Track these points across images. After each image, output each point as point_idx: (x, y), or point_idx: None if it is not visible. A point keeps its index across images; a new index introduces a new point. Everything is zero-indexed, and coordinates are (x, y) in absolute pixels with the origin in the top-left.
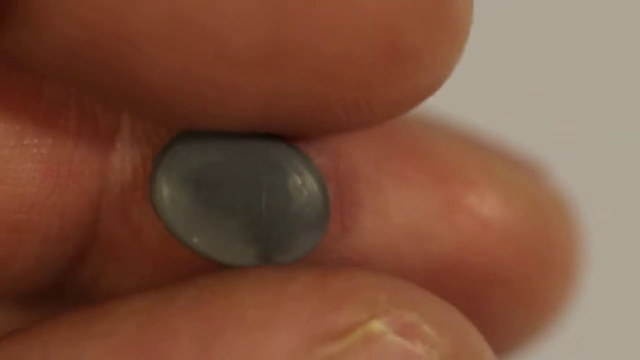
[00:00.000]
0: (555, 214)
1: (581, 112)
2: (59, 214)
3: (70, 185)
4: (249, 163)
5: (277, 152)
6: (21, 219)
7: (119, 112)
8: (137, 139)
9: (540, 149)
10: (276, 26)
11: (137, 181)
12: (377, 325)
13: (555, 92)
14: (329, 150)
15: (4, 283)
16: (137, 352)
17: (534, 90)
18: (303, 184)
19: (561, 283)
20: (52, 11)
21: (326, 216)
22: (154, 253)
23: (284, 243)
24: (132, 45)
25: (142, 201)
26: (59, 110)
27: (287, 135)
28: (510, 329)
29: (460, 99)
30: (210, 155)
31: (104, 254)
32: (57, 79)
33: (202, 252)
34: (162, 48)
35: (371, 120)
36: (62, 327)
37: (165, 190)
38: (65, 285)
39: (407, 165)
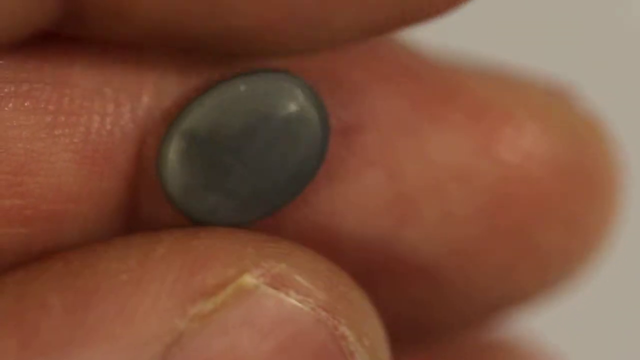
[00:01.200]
0: (592, 138)
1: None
2: (97, 202)
3: (106, 172)
4: (251, 112)
5: (286, 92)
6: (58, 209)
7: (149, 94)
8: (171, 118)
9: (569, 75)
10: None
11: None
12: (248, 279)
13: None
14: (363, 98)
15: None
16: (11, 328)
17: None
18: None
19: (605, 208)
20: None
21: (318, 163)
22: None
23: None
24: (226, 3)
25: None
26: (89, 98)
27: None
28: (554, 258)
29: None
30: (212, 114)
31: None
32: (146, 45)
33: (177, 204)
34: None
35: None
36: None
37: (166, 153)
38: None
39: (442, 106)
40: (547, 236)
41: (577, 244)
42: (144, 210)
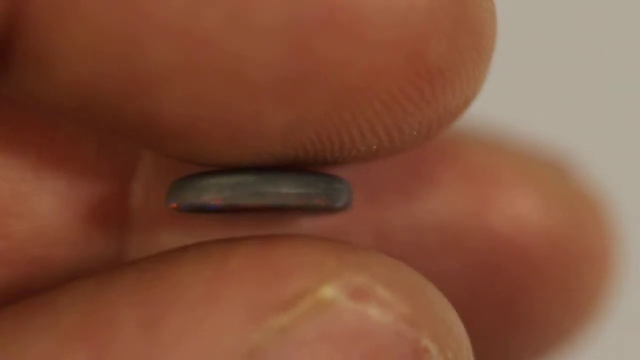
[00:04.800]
0: (588, 211)
1: (609, 105)
2: (82, 247)
3: (91, 217)
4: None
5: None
6: (41, 252)
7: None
8: (159, 168)
9: (570, 144)
10: (295, 57)
11: (161, 211)
12: (327, 291)
13: (583, 85)
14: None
15: None
16: (82, 342)
17: (561, 85)
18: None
19: (597, 281)
20: (55, 54)
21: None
22: None
23: None
24: (146, 84)
25: (168, 227)
26: (76, 141)
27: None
28: (547, 329)
29: (486, 97)
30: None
31: None
32: (69, 119)
33: None
34: (177, 79)
35: (403, 146)
36: (2, 323)
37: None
38: None
39: (437, 169)
40: (536, 308)
41: (568, 316)
42: (128, 257)
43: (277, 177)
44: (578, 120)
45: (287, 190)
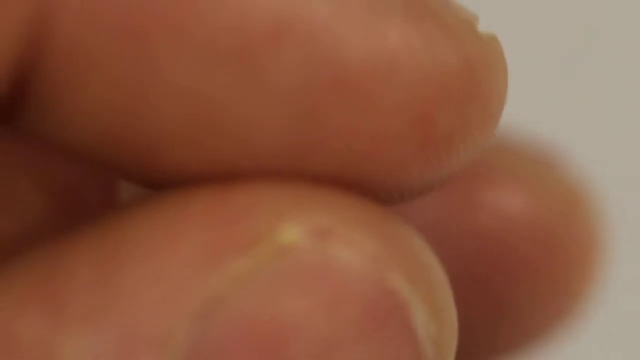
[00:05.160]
0: (576, 206)
1: (599, 99)
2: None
3: (79, 213)
4: None
5: None
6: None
7: None
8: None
9: (557, 139)
10: (304, 124)
11: None
12: (287, 232)
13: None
14: None
15: None
16: (37, 304)
17: (548, 81)
18: None
19: (585, 276)
20: (70, 105)
21: None
22: None
23: None
24: (158, 139)
25: None
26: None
27: None
28: (535, 322)
29: None
30: None
31: None
32: (77, 157)
33: None
34: (186, 139)
35: (399, 200)
36: None
37: None
38: None
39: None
40: (524, 304)
41: (556, 311)
42: None
43: None
44: (566, 115)
45: None
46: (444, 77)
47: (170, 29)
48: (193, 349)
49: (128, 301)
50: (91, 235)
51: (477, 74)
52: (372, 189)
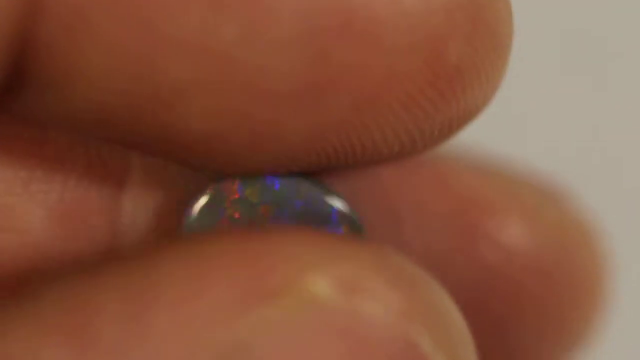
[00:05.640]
0: (579, 240)
1: (603, 134)
2: (70, 262)
3: (80, 231)
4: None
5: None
6: (28, 267)
7: (130, 155)
8: (149, 182)
9: (561, 173)
10: (314, 66)
11: (150, 225)
12: (314, 282)
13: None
14: (348, 181)
15: None
16: (64, 337)
17: (554, 115)
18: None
19: (588, 309)
20: (74, 76)
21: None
22: None
23: None
24: (164, 101)
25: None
26: (65, 154)
27: (330, 168)
28: (538, 355)
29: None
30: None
31: None
32: (86, 134)
33: None
34: (196, 97)
35: (424, 146)
36: None
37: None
38: None
39: (427, 196)
40: (525, 338)
41: (559, 346)
42: None
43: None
44: (569, 148)
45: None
46: (449, 8)
47: None
48: None
49: (157, 341)
50: (121, 270)
51: (483, 4)
52: (391, 129)
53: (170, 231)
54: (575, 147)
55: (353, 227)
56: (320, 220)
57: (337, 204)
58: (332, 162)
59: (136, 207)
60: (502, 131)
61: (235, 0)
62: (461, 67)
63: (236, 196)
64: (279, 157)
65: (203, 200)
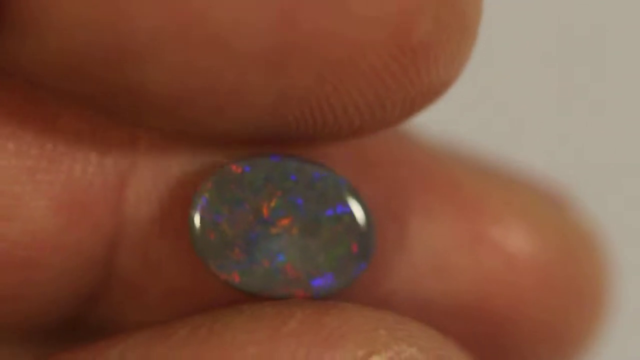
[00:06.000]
0: (581, 247)
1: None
2: (73, 251)
3: (84, 221)
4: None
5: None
6: (33, 257)
7: (134, 146)
8: (153, 174)
9: (564, 178)
10: (282, 27)
11: (154, 216)
12: None
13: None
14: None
15: (16, 320)
16: None
17: (558, 119)
18: (344, 214)
19: (589, 317)
20: (44, 23)
21: (370, 249)
22: (175, 290)
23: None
24: (134, 54)
25: (160, 236)
26: (71, 145)
27: (298, 142)
28: None
29: (482, 129)
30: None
31: (121, 291)
32: (54, 90)
33: (234, 286)
34: (166, 49)
35: (385, 123)
36: None
37: (197, 223)
38: (82, 323)
39: (430, 197)
40: (525, 344)
41: (559, 353)
42: (120, 264)
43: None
44: (573, 153)
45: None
46: None
47: None
48: None
49: None
50: (187, 331)
51: None
52: (353, 101)
53: (174, 221)
54: (577, 151)
55: (360, 204)
56: (328, 198)
57: (344, 180)
58: (295, 132)
59: (140, 198)
60: (503, 135)
61: None
62: (427, 44)
63: (241, 175)
64: (244, 122)
65: (208, 185)
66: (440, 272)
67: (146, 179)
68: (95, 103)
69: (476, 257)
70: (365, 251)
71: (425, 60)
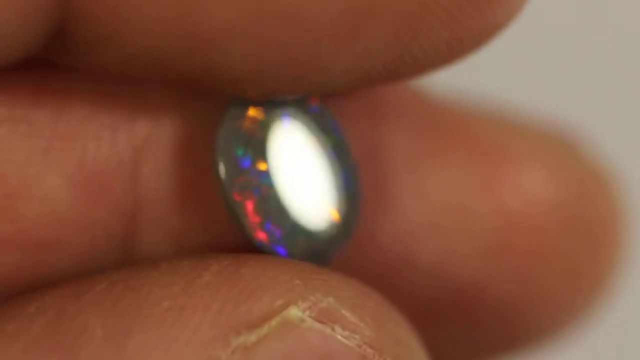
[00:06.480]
0: (598, 187)
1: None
2: (91, 230)
3: (101, 199)
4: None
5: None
6: (51, 236)
7: (147, 121)
8: (167, 147)
9: (579, 120)
10: None
11: (171, 190)
12: (293, 312)
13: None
14: (365, 133)
15: None
16: (48, 351)
17: (572, 62)
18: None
19: (608, 256)
20: (122, 23)
21: (355, 207)
22: None
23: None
24: (211, 41)
25: (179, 210)
26: (84, 124)
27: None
28: (557, 306)
29: (497, 75)
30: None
31: None
32: (135, 79)
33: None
34: (242, 34)
35: (453, 58)
36: None
37: (221, 162)
38: None
39: (445, 144)
40: (547, 282)
41: (578, 292)
42: (140, 240)
43: None
44: (588, 95)
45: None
46: None
47: None
48: None
49: None
50: (105, 286)
51: None
52: (423, 49)
53: (192, 195)
54: (592, 94)
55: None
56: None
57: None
58: (373, 81)
59: (156, 173)
60: (519, 80)
61: None
62: None
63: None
64: (319, 87)
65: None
66: (459, 215)
67: (160, 152)
68: (178, 82)
69: (494, 200)
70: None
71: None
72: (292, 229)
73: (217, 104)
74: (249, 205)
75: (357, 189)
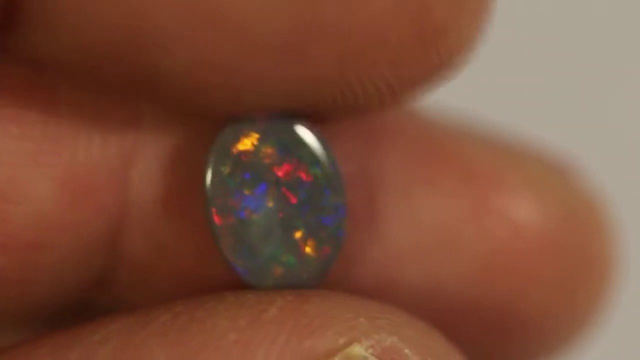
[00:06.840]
0: (588, 216)
1: (612, 109)
2: (78, 233)
3: (88, 203)
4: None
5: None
6: (38, 239)
7: (137, 127)
8: (157, 154)
9: (571, 148)
10: (299, 11)
11: (159, 196)
12: (357, 350)
13: (586, 89)
14: (357, 156)
15: (23, 304)
16: None
17: (565, 89)
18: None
19: (596, 287)
20: (67, 11)
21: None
22: (181, 271)
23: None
24: (153, 39)
25: (166, 217)
26: (74, 127)
27: (313, 116)
28: (544, 335)
29: (489, 99)
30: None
31: (128, 274)
32: (73, 77)
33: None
34: (184, 41)
35: (400, 99)
36: (39, 352)
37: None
38: (89, 307)
39: (436, 169)
40: (533, 314)
41: (566, 323)
42: (125, 246)
43: None
44: (579, 122)
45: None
46: None
47: None
48: None
49: None
50: (169, 317)
51: None
52: (373, 84)
53: (179, 202)
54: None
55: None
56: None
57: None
58: (310, 111)
59: (145, 179)
60: (510, 105)
61: None
62: (445, 23)
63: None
64: (263, 107)
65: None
66: (447, 241)
67: (150, 159)
68: (118, 88)
69: (483, 228)
70: None
71: (444, 37)
72: (269, 259)
73: (214, 122)
74: (228, 230)
75: (341, 227)
